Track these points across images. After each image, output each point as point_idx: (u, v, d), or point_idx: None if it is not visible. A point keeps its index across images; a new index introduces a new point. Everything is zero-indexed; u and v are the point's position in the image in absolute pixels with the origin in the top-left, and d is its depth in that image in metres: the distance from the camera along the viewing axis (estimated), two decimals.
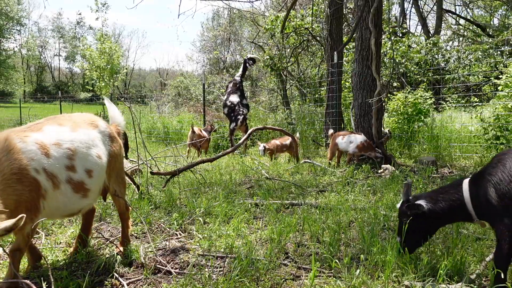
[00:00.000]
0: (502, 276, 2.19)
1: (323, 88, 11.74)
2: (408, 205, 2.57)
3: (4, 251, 2.39)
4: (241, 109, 9.20)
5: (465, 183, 2.48)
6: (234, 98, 9.39)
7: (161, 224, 3.57)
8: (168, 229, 3.47)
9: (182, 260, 2.81)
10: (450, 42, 16.48)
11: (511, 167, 2.26)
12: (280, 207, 4.12)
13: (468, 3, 21.90)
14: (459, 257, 2.61)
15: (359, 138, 6.52)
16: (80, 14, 60.91)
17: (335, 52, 8.38)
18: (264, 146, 7.59)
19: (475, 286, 2.33)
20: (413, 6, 19.44)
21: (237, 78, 9.81)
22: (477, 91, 14.91)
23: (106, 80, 18.57)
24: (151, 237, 3.21)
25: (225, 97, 9.71)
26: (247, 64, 9.84)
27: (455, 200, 2.47)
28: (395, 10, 19.00)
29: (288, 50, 13.33)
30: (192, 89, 19.05)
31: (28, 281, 2.00)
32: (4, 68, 40.80)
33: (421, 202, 2.54)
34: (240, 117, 9.08)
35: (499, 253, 2.24)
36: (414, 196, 2.66)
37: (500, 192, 2.25)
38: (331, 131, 7.19)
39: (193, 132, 8.48)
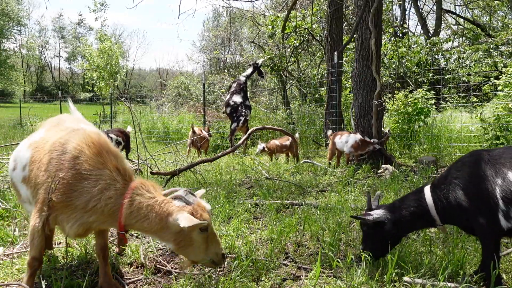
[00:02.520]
0: (497, 273, 2.22)
1: (323, 88, 11.74)
2: (361, 222, 2.63)
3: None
4: (244, 110, 9.20)
5: (427, 189, 2.49)
6: (238, 99, 9.39)
7: None
8: None
9: (182, 260, 2.81)
10: (450, 42, 16.46)
11: (477, 169, 2.28)
12: (280, 207, 4.11)
13: (468, 3, 21.88)
14: (459, 257, 2.61)
15: (354, 137, 6.50)
16: (81, 15, 61.18)
17: (335, 52, 8.37)
18: (264, 147, 7.57)
19: (475, 286, 2.33)
20: (413, 6, 19.43)
21: (242, 78, 9.81)
22: (477, 91, 14.91)
23: (106, 79, 18.55)
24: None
25: (228, 96, 9.70)
26: (260, 72, 10.02)
27: (417, 207, 2.49)
28: (395, 10, 19.01)
29: (288, 50, 13.32)
30: (192, 89, 19.03)
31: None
32: (4, 68, 40.77)
33: (379, 212, 2.56)
34: (242, 118, 9.09)
35: (487, 251, 2.27)
36: (377, 206, 2.67)
37: (470, 194, 2.27)
38: (329, 132, 7.20)
39: (194, 132, 8.47)
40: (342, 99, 9.49)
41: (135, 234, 3.35)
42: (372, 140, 6.42)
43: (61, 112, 16.08)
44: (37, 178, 2.20)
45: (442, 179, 2.46)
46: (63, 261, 2.82)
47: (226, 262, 2.72)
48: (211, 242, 2.19)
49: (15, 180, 2.37)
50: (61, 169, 2.11)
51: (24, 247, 3.04)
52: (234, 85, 9.81)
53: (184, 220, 2.03)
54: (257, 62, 10.26)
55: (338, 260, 2.58)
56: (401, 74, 12.58)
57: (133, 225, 2.13)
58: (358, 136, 6.49)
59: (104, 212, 2.10)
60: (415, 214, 2.50)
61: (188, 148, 8.71)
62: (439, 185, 2.45)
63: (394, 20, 16.91)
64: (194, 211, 2.12)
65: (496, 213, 2.16)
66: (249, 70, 10.11)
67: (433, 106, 8.95)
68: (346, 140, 6.56)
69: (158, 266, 2.71)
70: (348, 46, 10.94)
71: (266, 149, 7.57)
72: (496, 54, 13.51)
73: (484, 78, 15.40)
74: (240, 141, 6.45)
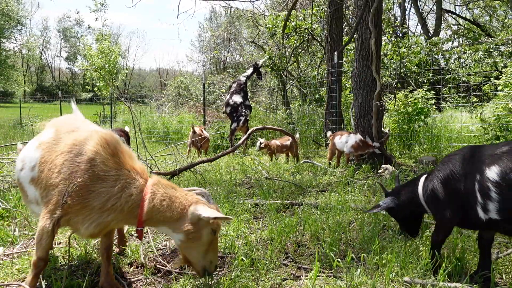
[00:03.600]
0: (437, 253, 2.54)
1: (323, 88, 11.74)
2: (386, 209, 2.91)
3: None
4: (244, 110, 9.21)
5: (422, 178, 2.72)
6: (238, 98, 9.41)
7: None
8: None
9: (179, 257, 2.80)
10: (450, 42, 16.48)
11: (460, 165, 2.44)
12: (280, 207, 4.11)
13: (468, 3, 21.89)
14: (459, 257, 2.61)
15: (354, 138, 6.50)
16: (78, 12, 60.84)
17: (335, 52, 8.37)
18: (261, 143, 7.51)
19: (475, 286, 2.33)
20: (413, 6, 19.44)
21: (242, 79, 9.83)
22: (477, 91, 14.92)
23: (106, 79, 18.52)
24: (151, 237, 3.21)
25: (228, 96, 9.72)
26: (259, 73, 10.12)
27: (411, 192, 2.77)
28: (395, 10, 19.00)
29: (288, 50, 13.32)
30: (192, 89, 19.02)
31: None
32: (4, 68, 40.73)
33: (387, 200, 2.88)
34: (242, 118, 9.10)
35: (435, 238, 2.57)
36: (393, 189, 2.99)
37: (446, 186, 2.46)
38: (329, 133, 7.19)
39: (194, 132, 8.47)
40: (342, 99, 9.48)
41: (135, 234, 3.35)
42: (373, 144, 6.41)
43: (61, 112, 16.10)
44: (49, 179, 2.18)
45: (433, 171, 2.67)
46: (63, 261, 2.82)
47: (226, 262, 2.72)
48: (212, 249, 2.26)
49: (22, 180, 2.35)
50: (76, 171, 2.10)
51: (24, 247, 3.04)
52: (234, 85, 9.83)
53: (206, 211, 2.11)
54: (257, 62, 10.33)
55: (338, 260, 2.58)
56: (402, 74, 12.58)
57: (153, 217, 2.16)
58: (358, 137, 6.49)
59: (123, 210, 2.11)
60: (410, 198, 2.77)
61: (188, 148, 8.70)
62: (429, 175, 2.67)
63: (394, 20, 16.89)
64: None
65: (474, 206, 2.31)
66: (249, 71, 10.16)
67: (433, 106, 8.95)
68: (346, 140, 6.56)
69: (158, 266, 2.72)
70: (348, 46, 10.93)
71: (263, 145, 7.47)
72: (496, 54, 13.51)
73: (484, 78, 15.40)
74: (240, 141, 6.45)
